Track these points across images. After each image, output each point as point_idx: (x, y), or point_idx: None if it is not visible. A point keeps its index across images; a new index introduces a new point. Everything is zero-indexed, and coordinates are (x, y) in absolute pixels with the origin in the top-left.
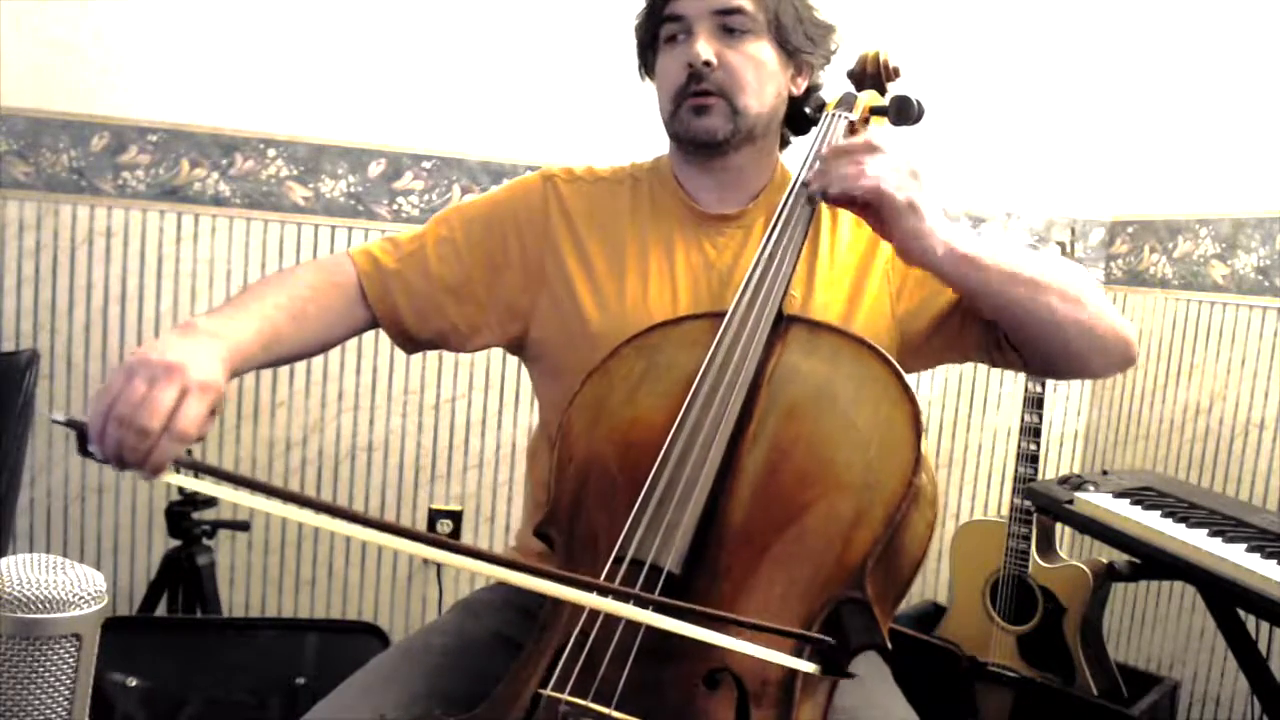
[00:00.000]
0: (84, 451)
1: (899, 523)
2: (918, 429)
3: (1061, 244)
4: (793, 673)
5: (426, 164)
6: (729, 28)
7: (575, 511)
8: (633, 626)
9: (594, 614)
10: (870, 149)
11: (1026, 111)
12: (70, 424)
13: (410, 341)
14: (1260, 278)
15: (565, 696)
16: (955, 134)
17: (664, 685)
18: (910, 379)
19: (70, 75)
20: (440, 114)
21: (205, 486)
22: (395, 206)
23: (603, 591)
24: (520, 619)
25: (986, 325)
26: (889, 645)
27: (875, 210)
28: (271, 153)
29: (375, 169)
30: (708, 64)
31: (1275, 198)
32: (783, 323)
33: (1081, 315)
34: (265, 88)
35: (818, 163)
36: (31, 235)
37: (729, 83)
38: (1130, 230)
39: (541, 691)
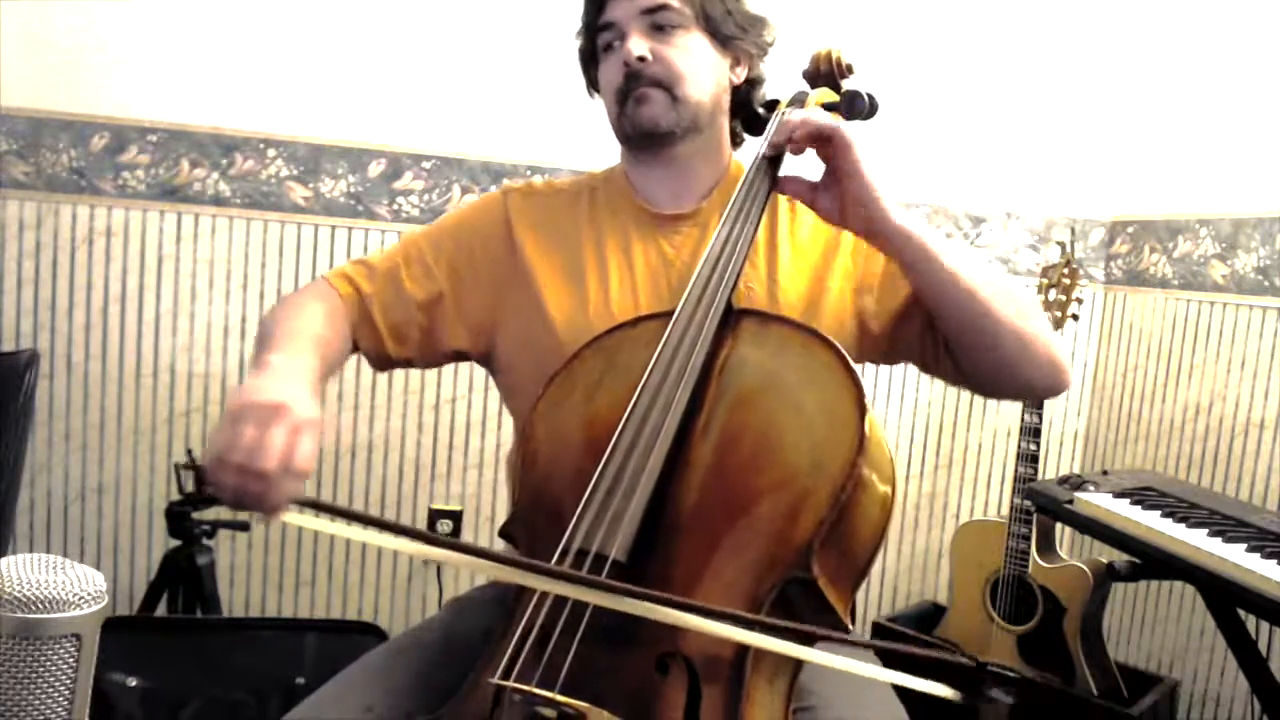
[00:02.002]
0: (200, 491)
1: (845, 502)
2: (862, 410)
3: (1061, 244)
4: (742, 651)
5: (426, 164)
6: (659, 25)
7: (536, 510)
8: (578, 611)
9: (542, 602)
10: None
11: (1026, 111)
12: (191, 467)
13: (385, 360)
14: (1260, 278)
15: (511, 684)
16: (955, 134)
17: (615, 670)
18: (909, 379)
19: (70, 75)
20: (440, 114)
21: (323, 524)
22: (395, 206)
23: (560, 576)
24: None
25: (926, 326)
26: (850, 628)
27: (837, 150)
28: (271, 153)
29: (375, 169)
30: (641, 59)
31: (1275, 198)
32: (733, 316)
33: (1019, 323)
34: (265, 88)
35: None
36: (31, 235)
37: (665, 74)
38: (1130, 230)
39: (491, 680)
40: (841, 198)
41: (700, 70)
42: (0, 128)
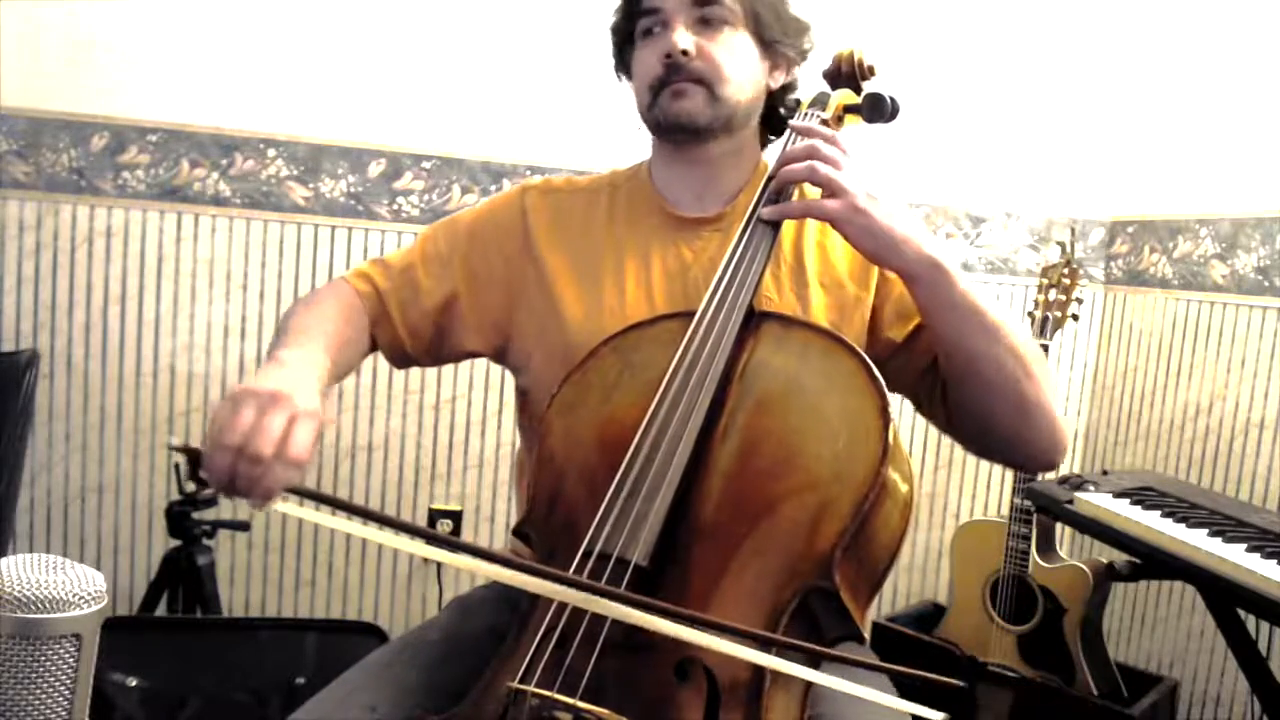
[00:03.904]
0: (194, 478)
1: (868, 512)
2: (886, 419)
3: (1062, 244)
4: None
5: (426, 164)
6: (706, 19)
7: (552, 510)
8: (600, 617)
9: (564, 606)
10: (815, 153)
11: (1026, 111)
12: (184, 450)
13: (404, 357)
14: (1260, 278)
15: (531, 688)
16: (955, 134)
17: (635, 677)
18: None
19: (70, 75)
20: (440, 114)
21: (312, 514)
22: (395, 206)
23: (583, 586)
24: (513, 615)
25: (929, 366)
26: (866, 636)
27: (839, 229)
28: (271, 153)
29: (375, 169)
30: (686, 53)
31: (1275, 198)
32: (754, 319)
33: (1026, 386)
34: (265, 88)
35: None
36: (31, 235)
37: (708, 71)
38: (1130, 230)
39: (511, 684)
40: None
41: (743, 71)
42: (0, 128)
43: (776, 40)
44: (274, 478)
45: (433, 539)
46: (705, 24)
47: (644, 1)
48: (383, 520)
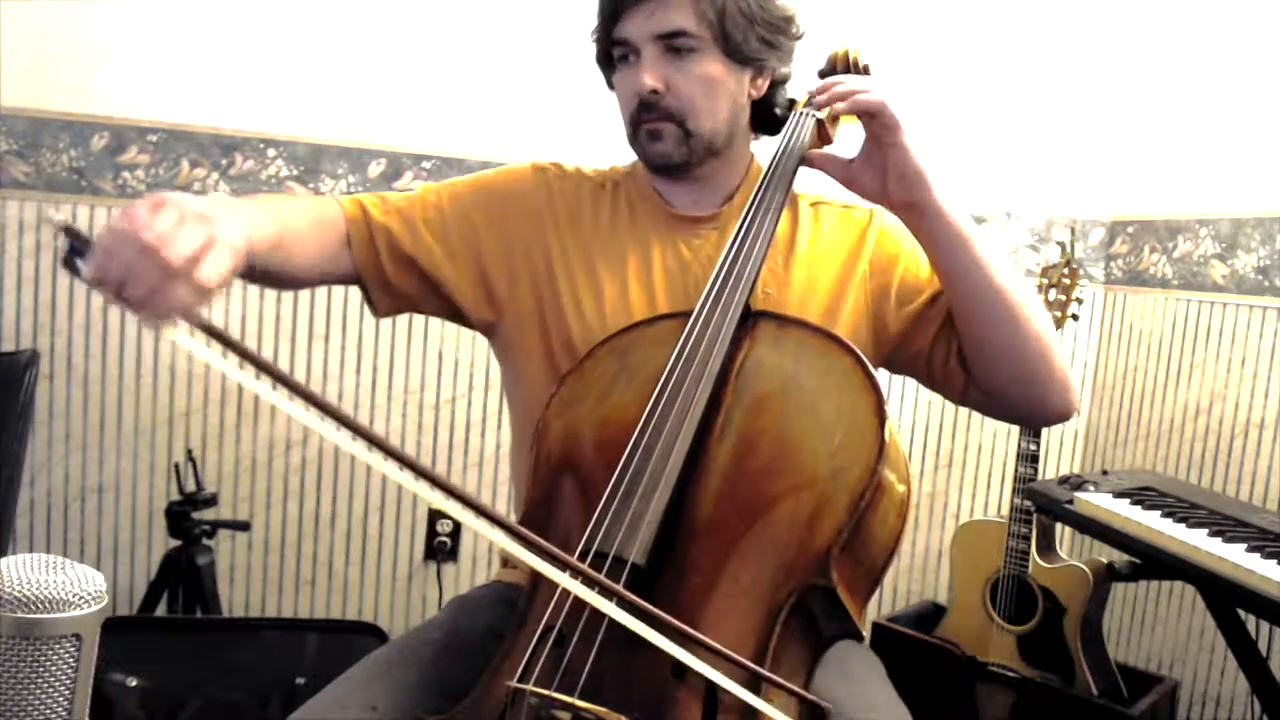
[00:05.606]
0: (69, 265)
1: (864, 510)
2: (881, 417)
3: (1062, 244)
4: (759, 656)
5: (426, 164)
6: (675, 48)
7: (550, 509)
8: (598, 615)
9: (561, 604)
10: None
11: (1026, 111)
12: (68, 231)
13: (385, 294)
14: (1260, 278)
15: (530, 687)
16: (955, 134)
17: (633, 675)
18: (910, 379)
19: (70, 75)
20: (440, 114)
21: (203, 352)
22: None
23: (580, 573)
24: (512, 614)
25: (940, 332)
26: (863, 634)
27: (884, 126)
28: (271, 153)
29: (375, 169)
30: (654, 92)
31: (1275, 198)
32: (751, 318)
33: (1045, 335)
34: (265, 88)
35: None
36: (31, 235)
37: (678, 107)
38: (1130, 230)
39: (510, 684)
40: (884, 172)
41: (715, 99)
42: (0, 128)
43: (753, 56)
44: (176, 296)
45: (366, 436)
46: (675, 53)
47: (614, 33)
48: (291, 385)
